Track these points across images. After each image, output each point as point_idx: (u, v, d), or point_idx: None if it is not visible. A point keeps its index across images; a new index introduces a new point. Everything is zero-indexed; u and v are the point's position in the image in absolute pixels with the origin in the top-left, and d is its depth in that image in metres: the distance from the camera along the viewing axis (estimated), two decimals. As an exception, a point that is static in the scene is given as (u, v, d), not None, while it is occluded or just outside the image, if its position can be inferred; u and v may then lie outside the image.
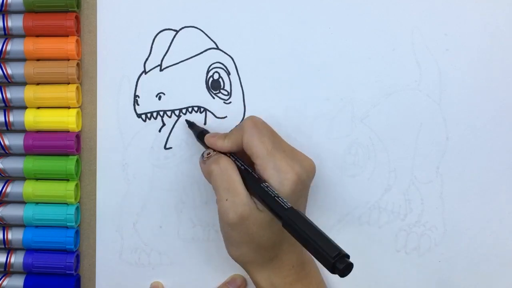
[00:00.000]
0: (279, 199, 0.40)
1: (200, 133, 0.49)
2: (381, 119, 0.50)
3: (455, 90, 0.49)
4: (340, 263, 0.34)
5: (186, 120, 0.51)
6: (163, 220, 0.52)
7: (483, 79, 0.49)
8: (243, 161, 0.45)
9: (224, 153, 0.46)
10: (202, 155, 0.46)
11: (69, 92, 0.50)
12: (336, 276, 0.37)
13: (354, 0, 0.49)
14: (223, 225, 0.44)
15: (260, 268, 0.44)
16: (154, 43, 0.51)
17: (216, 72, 0.51)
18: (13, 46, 0.50)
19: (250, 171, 0.44)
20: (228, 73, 0.51)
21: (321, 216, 0.50)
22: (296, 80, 0.50)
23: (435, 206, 0.50)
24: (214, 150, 0.46)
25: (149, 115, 0.51)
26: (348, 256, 0.35)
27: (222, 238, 0.51)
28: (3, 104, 0.51)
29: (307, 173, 0.44)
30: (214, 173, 0.44)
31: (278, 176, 0.42)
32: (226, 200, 0.42)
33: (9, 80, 0.50)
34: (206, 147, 0.48)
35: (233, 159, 0.45)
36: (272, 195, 0.41)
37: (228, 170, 0.43)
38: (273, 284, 0.44)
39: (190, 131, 0.51)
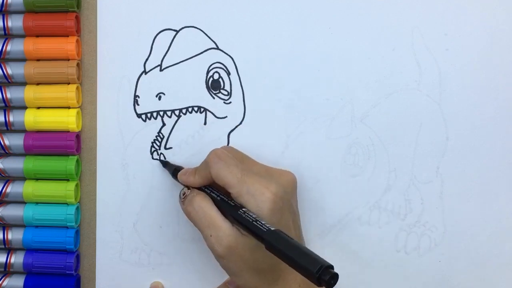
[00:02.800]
0: (257, 223, 0.40)
1: (174, 171, 0.49)
2: (381, 119, 0.50)
3: (455, 90, 0.49)
4: (324, 275, 0.35)
5: (160, 160, 0.51)
6: (163, 220, 0.52)
7: (483, 79, 0.49)
8: (219, 191, 0.45)
9: (199, 188, 0.46)
10: (180, 195, 0.47)
11: (69, 92, 0.50)
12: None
13: (354, 0, 0.49)
14: (217, 259, 0.44)
15: None
16: (154, 43, 0.51)
17: (216, 72, 0.51)
18: (13, 46, 0.50)
19: (226, 200, 0.44)
20: (228, 73, 0.51)
21: (321, 216, 0.50)
22: (296, 80, 0.50)
23: (435, 206, 0.50)
24: (189, 188, 0.47)
25: (149, 115, 0.51)
26: (332, 267, 0.35)
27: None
28: (3, 104, 0.51)
29: (284, 188, 0.44)
30: (192, 214, 0.44)
31: (254, 200, 0.42)
32: (211, 236, 0.43)
33: (9, 80, 0.51)
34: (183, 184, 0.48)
35: (208, 191, 0.45)
36: (250, 219, 0.40)
37: (203, 208, 0.44)
38: None
39: (191, 131, 0.51)
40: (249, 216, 0.41)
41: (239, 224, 0.42)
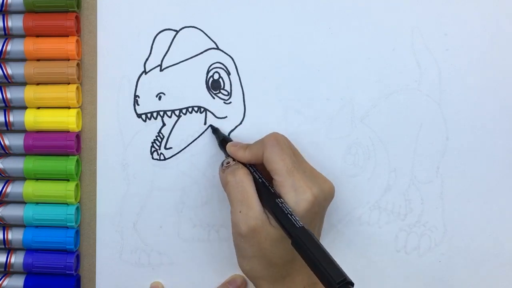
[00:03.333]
0: (292, 217, 0.40)
1: (222, 140, 0.49)
2: (381, 119, 0.50)
3: (455, 90, 0.49)
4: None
5: (211, 126, 0.50)
6: (163, 220, 0.52)
7: (483, 79, 0.49)
8: (262, 174, 0.45)
9: (244, 164, 0.46)
10: (222, 163, 0.47)
11: (69, 92, 0.50)
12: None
13: (354, 0, 0.49)
14: (235, 236, 0.44)
15: (271, 286, 0.44)
16: (154, 43, 0.51)
17: (216, 72, 0.51)
18: (13, 46, 0.50)
19: (267, 185, 0.44)
20: (228, 73, 0.51)
21: (321, 216, 0.50)
22: (296, 80, 0.50)
23: (435, 206, 0.50)
24: (234, 160, 0.46)
25: (149, 115, 0.51)
26: (352, 284, 0.35)
27: (222, 238, 0.52)
28: (3, 104, 0.51)
29: (324, 196, 0.44)
30: (230, 184, 0.44)
31: (295, 195, 0.42)
32: (240, 212, 0.42)
33: (9, 80, 0.51)
34: (227, 155, 0.48)
35: (252, 170, 0.45)
36: (285, 211, 0.40)
37: (243, 183, 0.43)
38: None
39: (191, 131, 0.51)
40: (285, 207, 0.41)
41: (271, 212, 0.42)
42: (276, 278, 0.43)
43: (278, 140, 0.45)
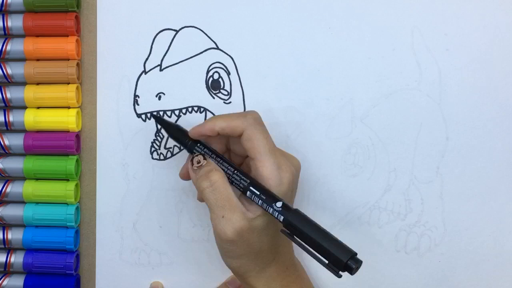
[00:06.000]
0: (278, 202, 0.40)
1: (174, 129, 0.46)
2: (381, 119, 0.50)
3: (455, 90, 0.49)
4: (352, 263, 0.35)
5: (152, 115, 0.49)
6: (163, 220, 0.52)
7: (483, 79, 0.49)
8: (237, 166, 0.44)
9: (212, 153, 0.44)
10: (192, 161, 0.44)
11: (69, 92, 0.50)
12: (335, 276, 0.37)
13: (354, 0, 0.49)
14: (221, 243, 0.42)
15: (258, 275, 0.44)
16: (154, 43, 0.51)
17: (216, 72, 0.51)
18: (13, 46, 0.50)
19: (245, 173, 0.42)
20: (228, 73, 0.51)
21: (321, 216, 0.50)
22: (296, 80, 0.50)
23: (435, 206, 0.50)
24: (204, 158, 0.43)
25: (149, 115, 0.51)
26: (356, 254, 0.36)
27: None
28: (3, 104, 0.51)
29: (297, 172, 0.45)
30: (207, 191, 0.42)
31: (278, 174, 0.41)
32: (223, 217, 0.41)
33: (9, 80, 0.50)
34: (179, 142, 0.45)
35: (223, 163, 0.43)
36: (272, 197, 0.40)
37: (220, 186, 0.41)
38: None
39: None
40: (268, 190, 0.40)
41: (258, 195, 0.41)
42: (263, 266, 0.43)
43: (259, 119, 0.44)
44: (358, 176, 0.50)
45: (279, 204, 0.40)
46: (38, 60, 0.50)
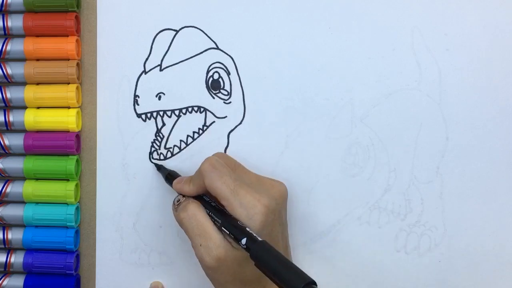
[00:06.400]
0: (246, 233, 0.40)
1: (168, 175, 0.49)
2: (381, 119, 0.50)
3: (455, 90, 0.49)
4: None
5: (154, 164, 0.51)
6: (163, 220, 0.52)
7: (483, 79, 0.49)
8: (214, 200, 0.45)
9: (194, 196, 0.46)
10: (174, 201, 0.47)
11: (69, 92, 0.50)
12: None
13: (354, 0, 0.49)
14: (204, 269, 0.44)
15: None
16: (154, 43, 0.51)
17: (216, 72, 0.51)
18: (13, 46, 0.50)
19: (220, 209, 0.43)
20: (228, 73, 0.51)
21: (321, 216, 0.50)
22: (296, 80, 0.50)
23: (435, 206, 0.50)
24: (183, 196, 0.46)
25: (149, 115, 0.51)
26: (315, 283, 0.35)
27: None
28: (3, 104, 0.51)
29: (276, 201, 0.44)
30: (184, 221, 0.44)
31: (247, 213, 0.42)
32: (200, 245, 0.42)
33: (9, 80, 0.51)
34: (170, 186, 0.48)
35: (206, 199, 0.45)
36: (239, 229, 0.41)
37: (196, 216, 0.43)
38: None
39: (190, 131, 0.51)
40: (238, 226, 0.41)
41: (228, 234, 0.42)
42: None
43: (213, 165, 0.44)
44: (358, 176, 0.50)
45: (243, 241, 0.40)
46: (38, 60, 0.50)
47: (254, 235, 0.40)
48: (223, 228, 0.42)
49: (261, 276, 0.43)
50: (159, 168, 0.51)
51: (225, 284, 0.43)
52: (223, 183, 0.43)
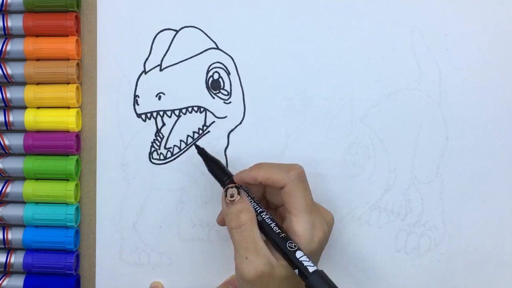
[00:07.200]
0: (306, 260, 0.40)
1: (212, 162, 0.47)
2: (381, 119, 0.50)
3: (455, 90, 0.49)
4: None
5: (196, 145, 0.49)
6: (163, 220, 0.52)
7: (483, 79, 0.49)
8: (269, 212, 0.44)
9: (247, 193, 0.44)
10: (226, 193, 0.44)
11: (69, 92, 0.50)
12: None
13: (354, 0, 0.49)
14: (241, 281, 0.42)
15: None
16: (154, 43, 0.51)
17: (216, 72, 0.51)
18: (13, 46, 0.50)
19: (277, 225, 0.43)
20: (228, 73, 0.51)
21: (321, 216, 0.50)
22: (296, 80, 0.50)
23: (435, 206, 0.50)
24: (238, 190, 0.44)
25: (149, 115, 0.51)
26: None
27: (221, 238, 0.52)
28: (3, 104, 0.51)
29: (329, 229, 0.45)
30: (235, 230, 0.42)
31: (311, 232, 0.42)
32: (246, 258, 0.41)
33: (9, 80, 0.50)
34: (218, 179, 0.46)
35: (257, 207, 0.44)
36: (301, 254, 0.40)
37: (248, 228, 0.42)
38: None
39: (190, 131, 0.51)
40: (298, 248, 0.41)
41: (281, 253, 0.41)
42: None
43: (302, 175, 0.43)
44: (358, 176, 0.50)
45: (302, 261, 0.40)
46: (38, 60, 0.50)
47: (310, 262, 0.40)
48: (276, 243, 0.41)
49: None
50: (201, 152, 0.48)
51: None
52: (305, 197, 0.42)
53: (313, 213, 0.42)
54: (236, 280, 0.43)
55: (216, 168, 0.47)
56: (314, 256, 0.42)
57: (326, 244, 0.45)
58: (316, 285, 0.39)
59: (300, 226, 0.42)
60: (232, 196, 0.44)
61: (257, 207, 0.44)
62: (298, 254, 0.40)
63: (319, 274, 0.39)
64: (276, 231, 0.42)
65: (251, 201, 0.44)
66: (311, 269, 0.40)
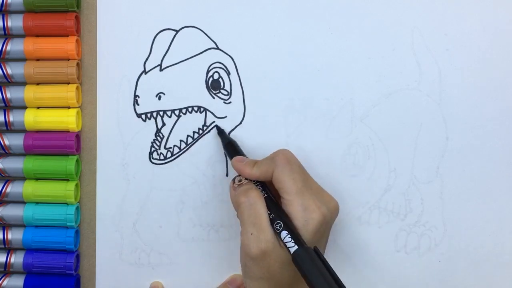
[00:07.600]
0: (289, 240, 0.40)
1: (228, 144, 0.49)
2: (381, 119, 0.50)
3: (455, 90, 0.49)
4: None
5: (217, 126, 0.50)
6: (163, 220, 0.52)
7: (483, 79, 0.49)
8: (271, 192, 0.45)
9: (254, 182, 0.45)
10: (234, 180, 0.46)
11: (69, 92, 0.50)
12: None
13: (354, 0, 0.49)
14: (244, 257, 0.43)
15: None
16: (154, 43, 0.51)
17: (216, 72, 0.51)
18: (13, 46, 0.50)
19: (276, 204, 0.43)
20: (228, 73, 0.51)
21: (321, 216, 0.50)
22: (296, 80, 0.50)
23: (435, 206, 0.50)
24: (246, 178, 0.46)
25: (149, 115, 0.51)
26: None
27: (221, 238, 0.51)
28: (3, 104, 0.51)
29: (331, 215, 0.44)
30: (243, 206, 0.43)
31: (304, 215, 0.42)
32: (251, 234, 0.42)
33: (9, 80, 0.51)
34: (230, 157, 0.48)
35: (260, 188, 0.45)
36: (285, 234, 0.41)
37: (257, 205, 0.43)
38: None
39: (190, 132, 0.51)
40: (290, 225, 0.41)
41: (278, 230, 0.42)
42: None
43: (288, 159, 0.44)
44: (358, 176, 0.50)
45: (287, 239, 0.40)
46: (38, 60, 0.50)
47: (292, 242, 0.40)
48: (275, 223, 0.42)
49: (295, 282, 0.43)
50: (220, 132, 0.50)
51: (259, 280, 0.43)
52: (292, 179, 0.43)
53: (305, 195, 0.43)
54: (241, 259, 0.44)
55: (231, 149, 0.48)
56: (313, 238, 0.42)
57: (328, 231, 0.45)
58: (298, 264, 0.39)
59: (293, 209, 0.42)
60: (240, 181, 0.45)
61: (262, 190, 0.45)
62: (283, 234, 0.41)
63: (303, 252, 0.39)
64: (278, 208, 0.43)
65: (257, 184, 0.45)
66: (292, 250, 0.40)
